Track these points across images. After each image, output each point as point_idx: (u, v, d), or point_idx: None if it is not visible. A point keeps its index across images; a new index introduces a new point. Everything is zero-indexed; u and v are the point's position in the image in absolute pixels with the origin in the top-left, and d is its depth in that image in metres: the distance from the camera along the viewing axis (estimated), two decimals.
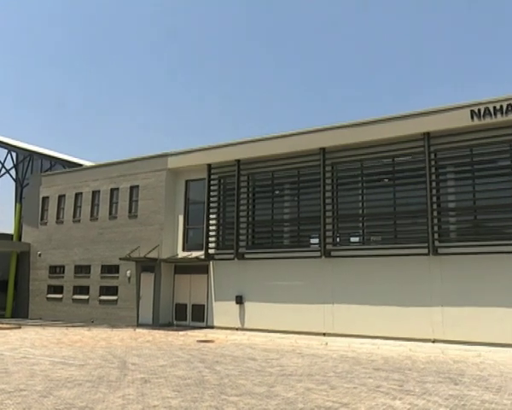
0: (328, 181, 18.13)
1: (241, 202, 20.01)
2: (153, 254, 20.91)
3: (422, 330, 15.44)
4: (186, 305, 21.10)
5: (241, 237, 19.76)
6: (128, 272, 21.88)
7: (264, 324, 18.40)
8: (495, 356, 12.53)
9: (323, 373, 9.98)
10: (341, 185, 18.57)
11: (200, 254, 20.42)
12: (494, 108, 15.03)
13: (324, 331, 17.13)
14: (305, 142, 18.40)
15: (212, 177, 20.91)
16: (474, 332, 14.60)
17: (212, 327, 19.80)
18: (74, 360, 11.52)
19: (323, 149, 18.06)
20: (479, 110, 15.22)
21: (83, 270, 23.81)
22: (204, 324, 20.23)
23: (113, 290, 22.48)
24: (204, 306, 20.48)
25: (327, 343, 15.11)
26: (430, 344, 14.75)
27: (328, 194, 18.06)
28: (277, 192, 20.38)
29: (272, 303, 18.51)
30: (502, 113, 14.88)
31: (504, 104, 14.85)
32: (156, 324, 20.68)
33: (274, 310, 18.40)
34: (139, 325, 20.74)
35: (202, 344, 15.10)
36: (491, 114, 15.02)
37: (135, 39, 67.28)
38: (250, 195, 20.31)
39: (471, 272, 15.12)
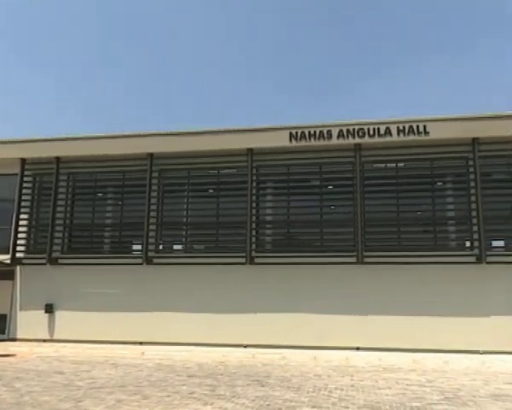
0: (155, 187, 17.93)
1: (59, 202, 18.53)
2: None
3: (236, 336, 16.16)
4: None
5: (55, 241, 18.25)
6: None
7: (78, 334, 17.20)
8: (298, 358, 13.73)
9: (137, 383, 9.72)
10: (167, 193, 18.54)
11: (5, 258, 18.23)
12: (309, 132, 16.67)
13: (142, 340, 16.74)
14: (133, 145, 17.92)
15: (26, 173, 18.93)
16: (280, 336, 15.82)
17: (14, 339, 17.78)
18: None
19: (151, 155, 17.82)
20: (296, 133, 16.72)
21: None
22: (5, 336, 18.04)
23: None
24: (6, 316, 18.28)
25: (143, 352, 14.80)
26: (242, 349, 15.52)
27: (154, 200, 17.85)
28: (100, 195, 19.42)
29: (88, 312, 17.43)
30: (315, 138, 16.58)
31: (317, 130, 16.58)
32: None
33: (89, 319, 17.34)
34: None
35: (0, 359, 13.44)
36: (306, 138, 16.62)
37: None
38: (69, 196, 18.94)
39: (284, 280, 16.40)
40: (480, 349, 14.57)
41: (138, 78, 55.58)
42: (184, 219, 18.14)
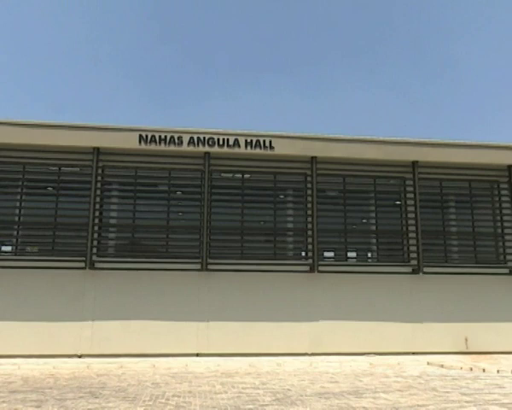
0: None
1: None
2: None
3: (70, 346, 15.09)
4: None
5: None
6: None
7: None
8: (136, 367, 13.35)
9: None
10: None
11: None
12: (160, 136, 16.42)
13: None
14: None
15: None
16: (118, 345, 15.20)
17: None
18: None
19: None
20: (146, 136, 16.34)
21: None
22: None
23: None
24: None
25: None
26: (76, 360, 14.54)
27: None
28: None
29: None
30: (165, 143, 16.39)
31: (168, 135, 16.42)
32: None
33: None
34: None
35: None
36: (156, 142, 16.35)
37: None
38: None
39: (126, 286, 15.80)
40: (309, 351, 15.80)
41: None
42: (16, 218, 16.41)
